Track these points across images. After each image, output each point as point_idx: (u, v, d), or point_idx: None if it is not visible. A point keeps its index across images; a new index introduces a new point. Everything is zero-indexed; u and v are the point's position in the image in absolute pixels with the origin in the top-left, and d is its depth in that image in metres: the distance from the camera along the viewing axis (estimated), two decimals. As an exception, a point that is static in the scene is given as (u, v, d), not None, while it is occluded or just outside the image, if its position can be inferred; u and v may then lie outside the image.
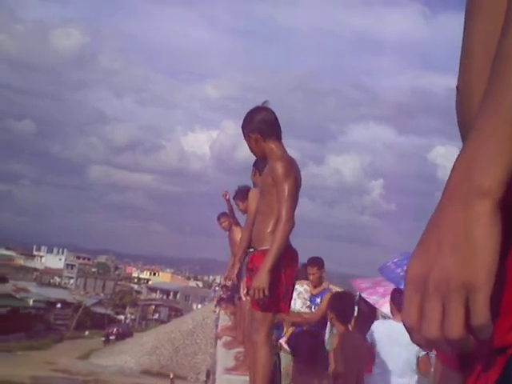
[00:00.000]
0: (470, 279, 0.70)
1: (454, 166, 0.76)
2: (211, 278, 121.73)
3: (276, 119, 3.91)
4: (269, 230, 3.69)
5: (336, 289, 8.23)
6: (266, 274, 3.47)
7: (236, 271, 6.09)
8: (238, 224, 7.46)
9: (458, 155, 0.76)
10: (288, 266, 3.70)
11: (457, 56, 0.92)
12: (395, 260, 10.61)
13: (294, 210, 3.67)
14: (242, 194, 6.30)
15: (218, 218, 8.00)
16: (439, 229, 0.73)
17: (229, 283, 8.85)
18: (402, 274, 10.28)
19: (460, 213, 0.72)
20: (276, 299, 3.65)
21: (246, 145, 3.98)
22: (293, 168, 3.74)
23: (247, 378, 4.35)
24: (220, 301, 12.09)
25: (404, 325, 0.75)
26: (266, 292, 3.46)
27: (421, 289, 0.72)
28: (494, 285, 0.70)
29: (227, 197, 7.04)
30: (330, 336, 6.53)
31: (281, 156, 3.78)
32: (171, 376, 33.09)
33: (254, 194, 5.14)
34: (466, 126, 0.85)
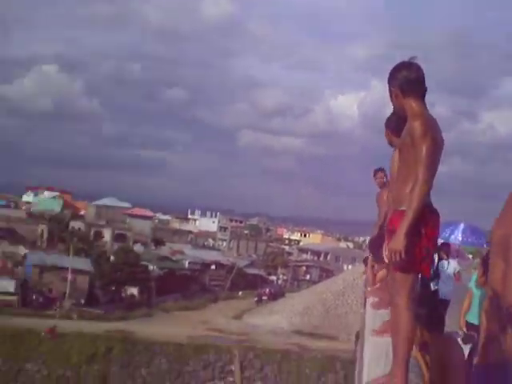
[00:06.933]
0: None
1: None
2: (361, 239, 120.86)
3: (421, 76, 3.79)
4: (407, 190, 3.60)
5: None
6: (403, 237, 3.44)
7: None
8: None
9: None
10: (429, 227, 3.58)
11: None
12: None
13: (434, 172, 3.57)
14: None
15: (375, 174, 7.66)
16: None
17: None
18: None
19: None
20: (416, 260, 3.57)
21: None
22: (432, 127, 3.60)
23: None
24: (366, 260, 11.35)
25: (490, 289, 0.76)
26: (403, 254, 3.43)
27: (504, 252, 0.74)
28: None
29: None
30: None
31: (420, 114, 3.66)
32: None
33: (395, 157, 5.00)
34: None
